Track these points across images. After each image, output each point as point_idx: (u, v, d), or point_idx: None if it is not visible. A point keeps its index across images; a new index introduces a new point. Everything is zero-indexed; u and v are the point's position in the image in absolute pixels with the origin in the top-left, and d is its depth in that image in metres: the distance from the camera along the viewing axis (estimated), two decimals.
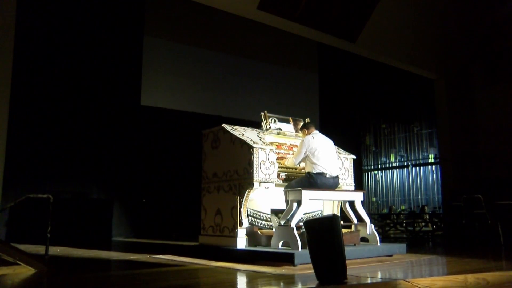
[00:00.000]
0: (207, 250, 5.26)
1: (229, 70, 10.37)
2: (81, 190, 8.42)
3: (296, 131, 5.85)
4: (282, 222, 4.83)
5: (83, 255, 5.59)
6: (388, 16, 9.59)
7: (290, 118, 5.98)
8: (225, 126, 5.41)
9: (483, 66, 11.71)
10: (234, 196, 5.08)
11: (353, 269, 4.05)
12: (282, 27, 8.97)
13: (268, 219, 5.40)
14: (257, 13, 8.15)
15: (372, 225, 5.37)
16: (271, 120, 5.74)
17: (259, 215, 5.34)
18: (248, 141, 5.07)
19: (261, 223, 5.32)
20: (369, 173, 14.22)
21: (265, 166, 4.98)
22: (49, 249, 4.92)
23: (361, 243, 5.31)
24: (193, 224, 6.74)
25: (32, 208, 7.10)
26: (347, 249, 3.64)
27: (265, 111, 5.73)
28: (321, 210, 5.92)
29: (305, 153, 5.07)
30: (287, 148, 5.64)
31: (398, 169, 13.61)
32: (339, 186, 5.53)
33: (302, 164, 5.28)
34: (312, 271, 3.46)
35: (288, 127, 5.87)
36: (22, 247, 4.83)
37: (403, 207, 13.09)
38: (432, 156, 12.77)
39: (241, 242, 4.92)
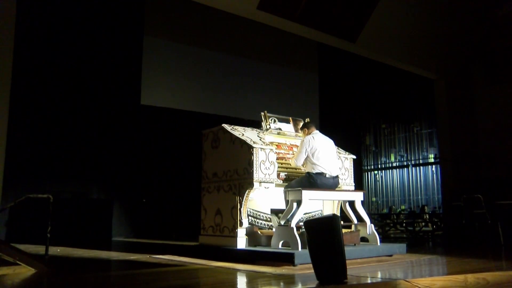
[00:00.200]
0: (207, 250, 5.26)
1: (229, 70, 10.36)
2: (81, 190, 8.42)
3: (296, 131, 5.85)
4: (282, 222, 4.83)
5: (83, 255, 5.59)
6: (388, 16, 9.58)
7: (290, 118, 5.98)
8: (225, 126, 5.41)
9: (483, 66, 11.71)
10: (234, 196, 5.08)
11: (353, 269, 4.05)
12: (282, 27, 8.96)
13: (268, 219, 5.40)
14: (257, 13, 8.15)
15: (372, 225, 5.38)
16: (271, 120, 5.74)
17: (259, 215, 5.34)
18: (248, 141, 5.07)
19: (261, 223, 5.32)
20: (369, 173, 14.22)
21: (265, 166, 4.98)
22: (49, 249, 4.93)
23: (361, 243, 5.31)
24: (193, 224, 6.74)
25: (32, 208, 7.10)
26: (347, 249, 3.65)
27: (265, 111, 5.73)
28: (321, 210, 5.92)
29: (305, 153, 5.07)
30: (287, 148, 5.64)
31: (398, 169, 13.61)
32: (339, 186, 5.53)
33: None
34: (312, 271, 3.46)
35: (288, 127, 5.87)
36: (22, 247, 4.83)
37: (403, 207, 13.09)
38: (432, 156, 12.77)
39: (241, 242, 4.92)
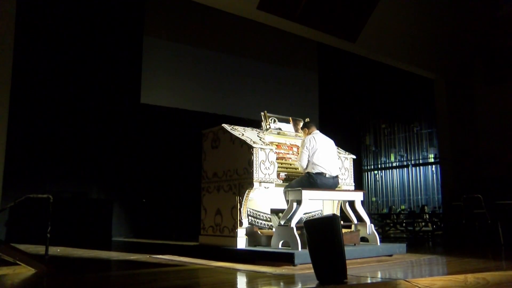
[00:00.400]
0: (207, 250, 5.26)
1: (229, 70, 10.35)
2: (81, 190, 8.41)
3: (296, 131, 5.85)
4: (282, 222, 4.83)
5: (83, 255, 5.59)
6: (388, 16, 9.59)
7: (290, 118, 5.98)
8: (225, 126, 5.41)
9: (483, 66, 11.72)
10: (234, 196, 5.08)
11: (353, 269, 4.05)
12: (282, 27, 8.97)
13: (268, 219, 5.40)
14: (257, 13, 8.16)
15: (372, 225, 5.38)
16: (271, 120, 5.74)
17: (259, 215, 5.34)
18: (248, 141, 5.07)
19: (261, 223, 5.32)
20: (369, 173, 14.22)
21: (265, 166, 4.99)
22: (49, 249, 4.90)
23: (361, 243, 5.31)
24: (193, 224, 6.74)
25: (32, 208, 7.09)
26: (347, 249, 3.64)
27: (265, 111, 5.73)
28: (321, 210, 5.92)
29: (307, 152, 5.07)
30: (287, 148, 5.64)
31: (398, 169, 13.61)
32: (339, 186, 5.53)
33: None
34: (312, 271, 3.46)
35: (288, 127, 5.87)
36: (22, 247, 4.83)
37: (403, 207, 13.09)
38: (432, 156, 12.77)
39: (241, 242, 4.92)
